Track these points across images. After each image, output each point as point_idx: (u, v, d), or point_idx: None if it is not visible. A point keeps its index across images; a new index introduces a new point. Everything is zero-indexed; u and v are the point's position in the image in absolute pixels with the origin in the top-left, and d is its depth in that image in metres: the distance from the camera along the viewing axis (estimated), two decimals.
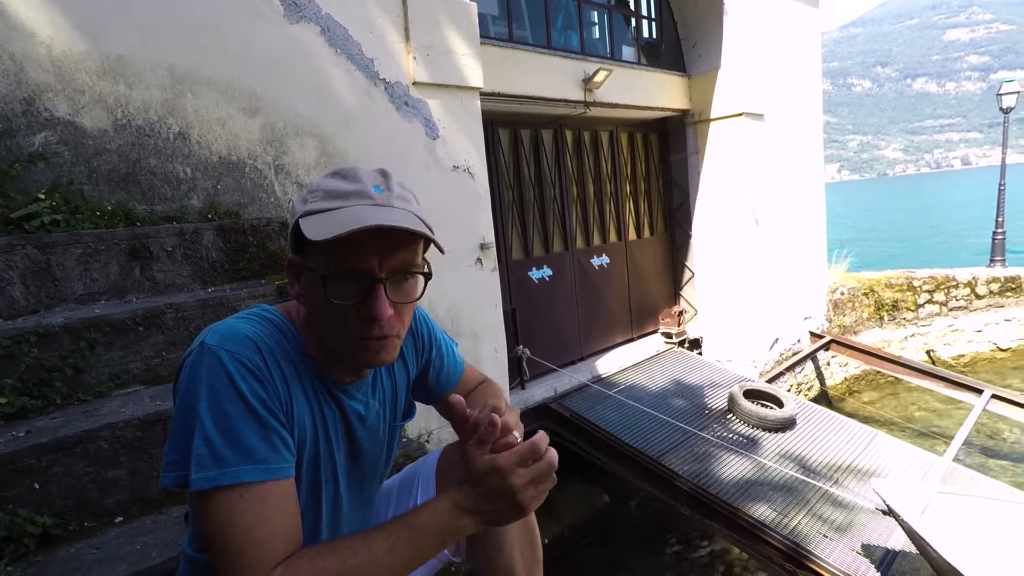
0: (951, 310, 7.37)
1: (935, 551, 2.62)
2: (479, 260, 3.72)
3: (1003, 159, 9.23)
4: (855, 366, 6.89)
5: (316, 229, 0.76)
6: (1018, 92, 9.03)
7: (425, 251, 0.87)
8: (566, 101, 4.68)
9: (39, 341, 1.67)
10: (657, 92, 5.55)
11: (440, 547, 0.78)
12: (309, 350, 0.87)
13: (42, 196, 2.06)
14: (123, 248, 2.07)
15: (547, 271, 5.23)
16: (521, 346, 4.69)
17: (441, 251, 0.84)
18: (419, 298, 0.86)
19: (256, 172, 2.74)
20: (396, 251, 0.79)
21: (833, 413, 4.97)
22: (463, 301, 3.64)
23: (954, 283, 7.35)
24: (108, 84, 2.30)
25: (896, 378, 6.22)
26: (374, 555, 0.73)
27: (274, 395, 0.78)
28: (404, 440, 2.02)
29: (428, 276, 0.86)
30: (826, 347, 6.43)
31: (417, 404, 1.14)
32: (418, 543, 0.75)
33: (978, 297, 7.37)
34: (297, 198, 0.83)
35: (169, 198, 2.47)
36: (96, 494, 1.51)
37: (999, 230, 8.79)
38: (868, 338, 7.00)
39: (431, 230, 0.82)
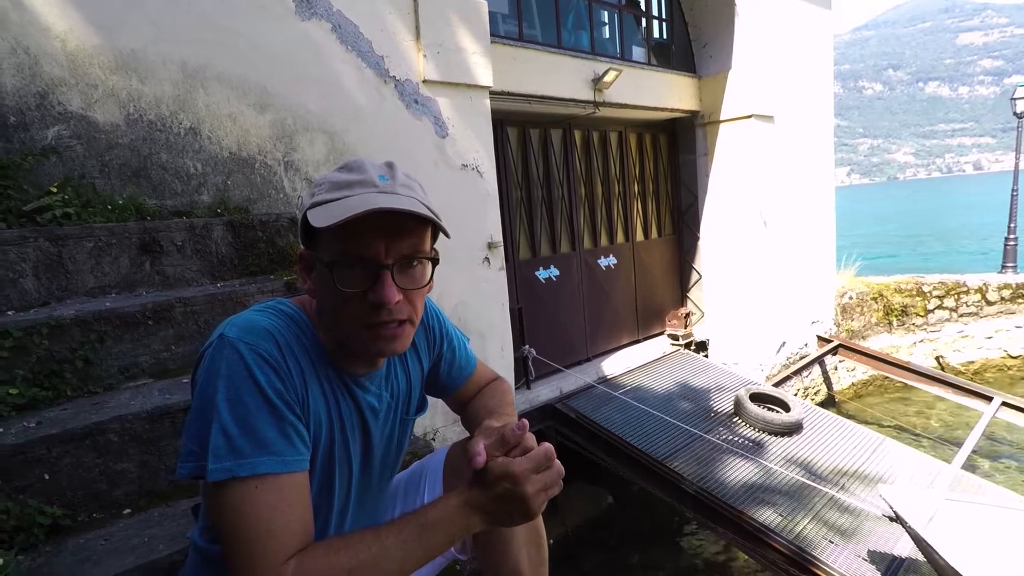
0: (961, 316, 7.31)
1: (942, 559, 2.59)
2: (486, 259, 3.72)
3: (1016, 165, 9.14)
4: (863, 371, 6.85)
5: (321, 217, 0.77)
6: None
7: (434, 240, 0.88)
8: (575, 101, 4.67)
9: (50, 333, 1.68)
10: (667, 93, 5.53)
11: (449, 543, 0.79)
12: (323, 343, 0.87)
13: (54, 189, 2.07)
14: (134, 242, 2.08)
15: (554, 271, 5.22)
16: (527, 346, 4.69)
17: (447, 235, 0.85)
18: (428, 284, 0.86)
19: (266, 168, 2.75)
20: (402, 237, 0.80)
21: (840, 418, 4.94)
22: (470, 300, 3.64)
23: (965, 289, 7.29)
24: (121, 79, 2.31)
25: (904, 384, 6.17)
26: (385, 550, 0.74)
27: (291, 388, 0.79)
28: (411, 438, 2.02)
29: (435, 262, 0.86)
30: (834, 352, 6.39)
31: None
32: (428, 539, 0.76)
33: (989, 303, 7.30)
34: (306, 193, 0.84)
35: (179, 193, 2.49)
36: (105, 486, 1.52)
37: (1011, 236, 8.70)
38: (876, 343, 6.95)
39: (437, 217, 0.83)
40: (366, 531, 0.76)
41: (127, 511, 1.52)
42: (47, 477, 1.43)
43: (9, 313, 1.78)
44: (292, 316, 0.86)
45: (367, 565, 0.72)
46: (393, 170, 0.84)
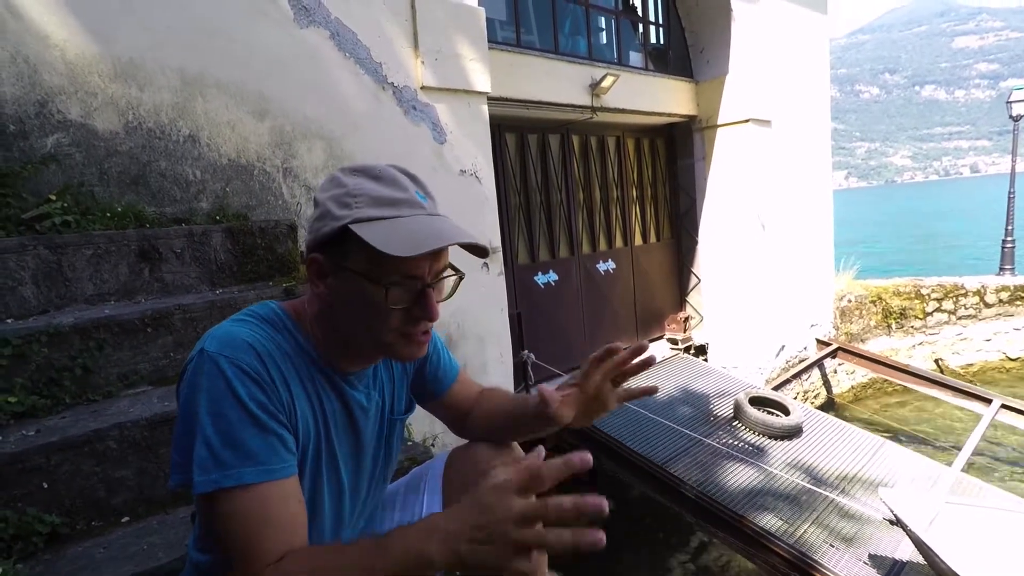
0: (960, 319, 7.32)
1: (943, 562, 2.59)
2: (485, 264, 3.72)
3: (1013, 167, 9.17)
4: (862, 374, 6.84)
5: (389, 242, 0.77)
6: None
7: None
8: (573, 106, 4.69)
9: (49, 341, 1.68)
10: (664, 98, 5.55)
11: (409, 571, 0.65)
12: (315, 343, 0.88)
13: (53, 197, 2.08)
14: (133, 249, 2.08)
15: (553, 276, 5.23)
16: (526, 351, 4.69)
17: (486, 259, 0.88)
18: (451, 296, 0.93)
19: (264, 175, 2.76)
20: (441, 257, 0.85)
21: (840, 421, 4.94)
22: (469, 305, 3.64)
23: (963, 291, 7.30)
24: (120, 87, 2.32)
25: (904, 387, 6.17)
26: (357, 568, 0.67)
27: (275, 398, 0.79)
28: (409, 444, 2.02)
29: (462, 276, 0.91)
30: (833, 355, 6.39)
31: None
32: (383, 563, 0.66)
33: (987, 306, 7.31)
34: (329, 198, 0.81)
35: (179, 200, 2.49)
36: (104, 493, 1.52)
37: (1008, 239, 8.72)
38: (875, 346, 6.95)
39: (491, 247, 0.86)
40: (351, 543, 0.71)
41: (126, 519, 1.52)
42: (46, 485, 1.43)
43: (8, 321, 1.78)
44: (272, 321, 0.87)
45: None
46: (424, 186, 0.87)
